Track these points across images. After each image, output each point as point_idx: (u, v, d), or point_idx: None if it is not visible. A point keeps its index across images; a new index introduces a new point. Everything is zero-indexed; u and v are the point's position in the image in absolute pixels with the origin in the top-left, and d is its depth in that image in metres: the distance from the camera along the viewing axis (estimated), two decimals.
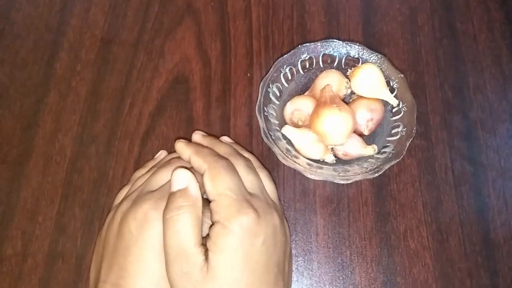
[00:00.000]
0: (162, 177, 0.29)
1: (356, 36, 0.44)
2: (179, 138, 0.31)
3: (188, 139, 0.39)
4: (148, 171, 0.32)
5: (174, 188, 0.26)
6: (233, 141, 0.37)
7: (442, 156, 0.39)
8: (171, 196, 0.26)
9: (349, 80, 0.37)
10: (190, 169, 0.27)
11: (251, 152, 0.34)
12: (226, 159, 0.29)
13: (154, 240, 0.25)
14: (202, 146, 0.31)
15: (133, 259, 0.24)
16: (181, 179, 0.26)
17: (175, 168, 0.27)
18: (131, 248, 0.25)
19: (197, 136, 0.34)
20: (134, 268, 0.24)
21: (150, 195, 0.27)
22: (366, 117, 0.36)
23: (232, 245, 0.24)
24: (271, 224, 0.26)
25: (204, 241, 0.25)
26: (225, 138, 0.37)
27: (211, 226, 0.25)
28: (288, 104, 0.37)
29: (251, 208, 0.25)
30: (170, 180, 0.28)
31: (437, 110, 0.41)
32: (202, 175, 0.27)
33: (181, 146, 0.30)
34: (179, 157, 0.32)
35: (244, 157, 0.31)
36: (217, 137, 0.37)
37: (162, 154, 0.37)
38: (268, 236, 0.25)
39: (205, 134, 0.35)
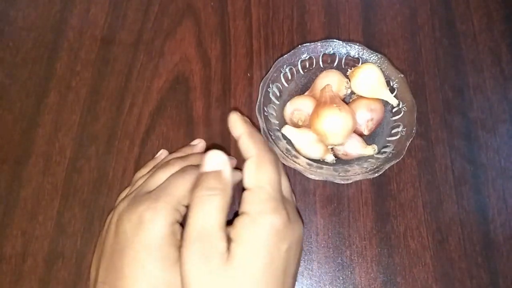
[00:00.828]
0: (160, 177, 0.29)
1: (356, 36, 0.44)
2: (179, 136, 0.30)
3: (188, 139, 0.39)
4: (149, 171, 0.32)
5: (208, 168, 0.25)
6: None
7: (442, 156, 0.39)
8: (204, 175, 0.25)
9: (349, 80, 0.37)
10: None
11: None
12: (274, 151, 0.27)
13: (150, 241, 0.24)
14: (255, 129, 0.28)
15: (129, 260, 0.24)
16: (217, 161, 0.25)
17: (196, 164, 0.26)
18: (127, 249, 0.24)
19: (236, 118, 0.29)
20: (130, 270, 0.24)
21: (146, 196, 0.27)
22: (366, 117, 0.36)
23: (258, 241, 0.23)
24: (298, 232, 0.26)
25: (228, 230, 0.24)
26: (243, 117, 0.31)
27: (235, 214, 0.25)
28: (288, 104, 0.37)
29: (285, 211, 0.24)
30: (169, 178, 0.27)
31: (437, 110, 0.41)
32: (245, 159, 0.26)
33: (236, 120, 0.28)
34: (179, 158, 0.32)
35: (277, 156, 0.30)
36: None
37: (162, 153, 0.37)
38: (293, 244, 0.25)
39: (245, 118, 0.29)
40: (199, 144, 0.37)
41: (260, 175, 0.25)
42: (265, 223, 0.23)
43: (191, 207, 0.24)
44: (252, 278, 0.23)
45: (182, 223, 0.25)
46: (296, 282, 0.35)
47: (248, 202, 0.24)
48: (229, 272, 0.22)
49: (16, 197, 0.37)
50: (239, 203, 0.25)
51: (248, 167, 0.25)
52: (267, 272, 0.23)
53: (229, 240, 0.23)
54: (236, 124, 0.28)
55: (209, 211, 0.23)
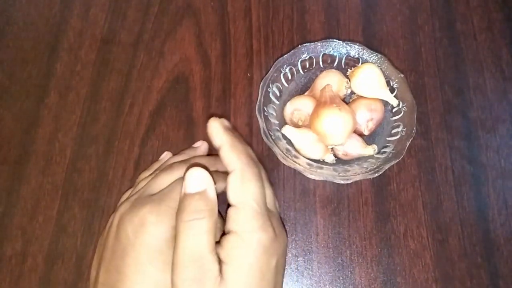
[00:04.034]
0: (163, 181, 0.28)
1: (356, 36, 0.44)
2: (179, 136, 0.29)
3: (188, 139, 0.39)
4: (152, 173, 0.32)
5: (191, 189, 0.24)
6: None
7: (442, 156, 0.39)
8: (188, 198, 0.24)
9: (349, 80, 0.37)
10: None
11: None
12: (258, 163, 0.26)
13: (152, 244, 0.24)
14: (237, 139, 0.26)
15: (130, 262, 0.24)
16: (199, 180, 0.24)
17: (189, 167, 0.25)
18: (128, 251, 0.24)
19: (217, 125, 0.28)
20: (131, 272, 0.24)
21: (149, 198, 0.27)
22: (366, 117, 0.36)
23: (249, 260, 0.23)
24: (283, 244, 0.26)
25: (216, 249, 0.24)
26: (224, 122, 0.29)
27: (222, 234, 0.24)
28: (288, 104, 0.37)
29: (271, 227, 0.24)
30: (172, 184, 0.27)
31: (437, 110, 0.41)
32: (228, 172, 0.25)
33: (217, 128, 0.26)
34: (182, 162, 0.31)
35: (260, 166, 0.29)
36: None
37: (166, 156, 0.36)
38: (280, 257, 0.25)
39: (229, 125, 0.28)
40: (201, 146, 0.37)
41: (244, 191, 0.24)
42: (254, 241, 0.23)
43: (179, 232, 0.23)
44: None
45: None
46: (296, 282, 0.35)
47: (235, 220, 0.24)
48: None
49: (16, 197, 0.37)
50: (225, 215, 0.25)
51: (232, 182, 0.24)
52: None
53: (219, 261, 0.23)
54: (217, 133, 0.26)
55: (198, 235, 0.23)
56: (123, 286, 0.24)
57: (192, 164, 0.29)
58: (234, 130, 0.29)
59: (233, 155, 0.25)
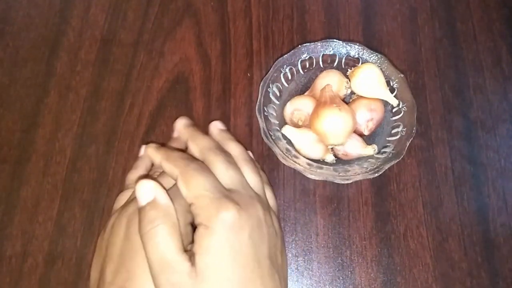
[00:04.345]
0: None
1: (356, 36, 0.44)
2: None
3: None
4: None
5: (142, 202, 0.25)
6: (224, 128, 0.34)
7: (442, 156, 0.39)
8: (141, 211, 0.25)
9: (349, 80, 0.37)
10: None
11: (240, 143, 0.32)
12: (197, 160, 0.28)
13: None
14: (173, 149, 0.30)
15: (141, 262, 0.24)
16: (146, 191, 0.25)
17: (137, 180, 0.26)
18: (139, 251, 0.24)
19: (179, 124, 0.32)
20: (142, 270, 0.24)
21: None
22: (366, 117, 0.36)
23: (217, 244, 0.23)
24: (255, 216, 0.26)
25: (190, 247, 0.25)
26: (217, 124, 0.33)
27: (194, 229, 0.25)
28: (288, 104, 0.37)
29: (231, 203, 0.25)
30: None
31: (437, 110, 0.41)
32: (175, 180, 0.26)
33: (151, 152, 0.29)
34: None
35: (224, 151, 0.30)
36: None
37: (147, 150, 0.36)
38: (254, 229, 0.25)
39: (190, 122, 0.32)
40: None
41: (191, 187, 0.25)
42: (216, 224, 0.24)
43: (144, 245, 0.24)
44: (226, 281, 0.23)
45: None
46: (296, 282, 0.35)
47: (196, 214, 0.25)
48: (203, 285, 0.23)
49: (16, 197, 0.37)
50: None
51: (179, 186, 0.26)
52: (237, 267, 0.24)
53: (193, 255, 0.24)
54: (153, 155, 0.28)
55: (159, 242, 0.24)
56: (133, 285, 0.24)
57: (140, 176, 0.31)
58: (224, 131, 0.32)
59: (169, 165, 0.27)
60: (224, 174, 0.27)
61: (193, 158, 0.28)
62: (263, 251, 0.25)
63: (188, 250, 0.24)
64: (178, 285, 0.23)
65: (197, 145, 0.29)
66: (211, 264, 0.23)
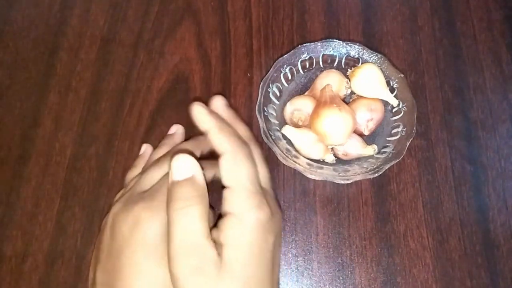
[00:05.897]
0: (152, 176, 0.28)
1: (356, 36, 0.44)
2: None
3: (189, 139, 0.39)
4: (141, 172, 0.32)
5: (178, 177, 0.24)
6: (228, 106, 0.30)
7: (442, 156, 0.39)
8: (176, 186, 0.23)
9: (349, 80, 0.37)
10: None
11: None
12: (247, 145, 0.26)
13: (148, 240, 0.24)
14: (223, 121, 0.26)
15: (127, 261, 0.24)
16: (186, 167, 0.24)
17: (174, 154, 0.24)
18: (124, 249, 0.24)
19: (219, 104, 0.29)
20: (129, 270, 0.24)
21: (141, 196, 0.26)
22: (366, 117, 0.36)
23: (248, 240, 0.23)
24: (279, 222, 0.26)
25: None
26: (221, 100, 0.29)
27: (219, 216, 0.24)
28: (288, 104, 0.37)
29: (267, 205, 0.24)
30: (162, 178, 0.27)
31: (437, 110, 0.41)
32: (218, 155, 0.24)
33: (202, 113, 0.25)
34: (167, 154, 0.31)
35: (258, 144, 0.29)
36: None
37: (147, 149, 0.36)
38: (277, 234, 0.25)
39: (227, 103, 0.29)
40: (177, 131, 0.36)
41: (238, 172, 0.24)
42: (252, 221, 0.23)
43: (171, 222, 0.23)
44: (249, 278, 0.23)
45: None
46: (296, 282, 0.35)
47: (230, 202, 0.24)
48: (226, 278, 0.22)
49: (16, 197, 0.37)
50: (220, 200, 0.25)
51: (224, 165, 0.24)
52: (260, 268, 0.23)
53: (217, 244, 0.23)
54: (202, 118, 0.25)
55: (191, 223, 0.23)
56: (122, 285, 0.24)
57: (176, 151, 0.29)
58: (229, 108, 0.29)
59: (222, 137, 0.25)
60: (260, 170, 0.27)
61: (244, 141, 0.26)
62: (277, 257, 0.26)
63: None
64: (200, 270, 0.22)
65: (239, 131, 0.27)
66: (241, 258, 0.23)
